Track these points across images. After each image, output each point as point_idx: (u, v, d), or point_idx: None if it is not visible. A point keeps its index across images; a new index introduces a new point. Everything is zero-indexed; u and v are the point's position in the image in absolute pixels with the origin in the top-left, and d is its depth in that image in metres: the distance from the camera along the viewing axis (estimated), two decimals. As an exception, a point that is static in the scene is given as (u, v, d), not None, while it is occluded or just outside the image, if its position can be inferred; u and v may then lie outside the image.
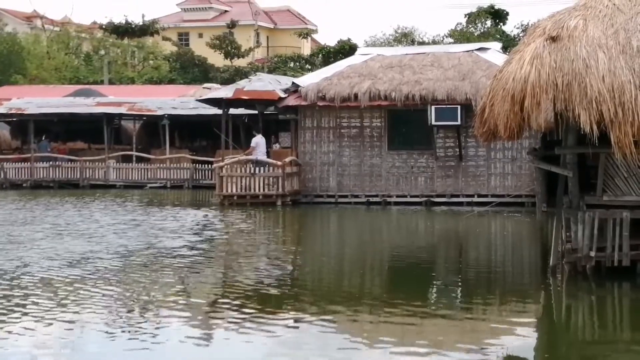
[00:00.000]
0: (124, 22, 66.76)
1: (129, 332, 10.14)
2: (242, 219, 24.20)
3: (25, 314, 11.26)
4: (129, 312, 11.32)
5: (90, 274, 14.28)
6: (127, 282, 13.76)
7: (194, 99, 38.62)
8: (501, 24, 61.41)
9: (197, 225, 22.34)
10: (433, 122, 27.17)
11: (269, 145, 32.41)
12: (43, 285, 13.33)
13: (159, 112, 40.33)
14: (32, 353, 9.40)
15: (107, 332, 10.17)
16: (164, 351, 9.46)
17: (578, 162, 13.60)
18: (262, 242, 19.65)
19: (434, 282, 14.26)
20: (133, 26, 67.05)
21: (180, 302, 12.16)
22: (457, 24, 64.98)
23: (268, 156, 29.48)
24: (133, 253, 16.89)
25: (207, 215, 24.96)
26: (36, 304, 11.88)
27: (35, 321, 10.81)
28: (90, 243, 18.27)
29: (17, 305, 11.83)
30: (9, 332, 10.29)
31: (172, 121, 40.17)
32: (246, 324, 10.47)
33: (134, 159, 40.49)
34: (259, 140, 29.19)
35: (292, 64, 64.33)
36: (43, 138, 41.71)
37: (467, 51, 29.75)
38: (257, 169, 28.25)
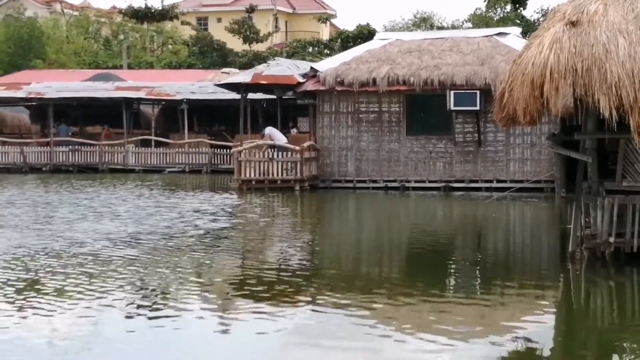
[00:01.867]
0: (143, 6, 66.83)
1: (151, 313, 10.19)
2: (267, 203, 24.45)
3: (106, 291, 11.54)
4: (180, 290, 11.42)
5: (147, 254, 14.64)
6: (187, 261, 14.06)
7: (212, 84, 38.69)
8: (521, 8, 61.05)
9: (231, 208, 22.78)
10: (452, 107, 27.11)
11: (287, 130, 32.48)
12: (105, 264, 13.63)
13: (178, 97, 40.44)
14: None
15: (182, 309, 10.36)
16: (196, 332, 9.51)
17: (597, 148, 13.55)
18: (298, 227, 19.91)
19: (453, 268, 14.26)
20: (152, 11, 67.09)
21: (238, 283, 12.41)
22: (477, 8, 64.71)
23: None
24: (181, 233, 17.25)
25: (235, 199, 25.26)
26: (111, 280, 12.25)
27: (115, 300, 11.05)
28: (133, 224, 18.64)
29: (90, 283, 12.09)
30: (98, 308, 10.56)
31: (191, 106, 40.25)
32: (268, 307, 10.52)
33: (153, 143, 40.63)
34: (271, 130, 29.18)
35: (310, 49, 64.23)
36: (64, 125, 41.90)
37: (487, 36, 29.65)
38: (277, 154, 28.28)
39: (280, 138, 28.99)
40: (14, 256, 14.34)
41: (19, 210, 21.59)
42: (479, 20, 60.06)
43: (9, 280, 12.36)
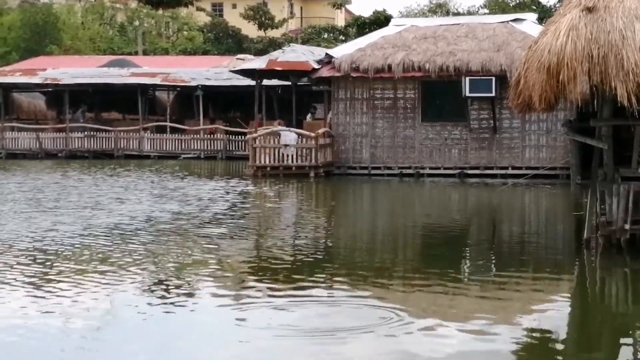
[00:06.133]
0: (158, -8, 66.79)
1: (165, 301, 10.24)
2: (282, 190, 24.64)
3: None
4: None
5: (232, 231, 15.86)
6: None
7: (227, 70, 38.71)
8: (537, -6, 60.78)
9: (247, 194, 23.29)
10: (467, 94, 27.04)
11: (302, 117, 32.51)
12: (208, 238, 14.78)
13: (193, 83, 40.50)
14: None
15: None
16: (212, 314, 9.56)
17: (613, 135, 13.49)
18: (315, 214, 20.09)
19: (467, 254, 14.24)
20: (167, -3, 67.05)
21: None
22: (493, -6, 64.43)
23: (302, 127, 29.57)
24: (247, 213, 18.75)
25: (250, 185, 25.50)
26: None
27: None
28: (194, 206, 19.55)
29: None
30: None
31: (206, 92, 40.28)
32: (284, 292, 10.55)
33: (168, 129, 40.70)
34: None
35: (325, 35, 64.15)
36: (80, 110, 42.03)
37: (502, 22, 29.52)
38: (284, 146, 28.25)
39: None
40: (108, 230, 15.47)
41: (74, 191, 22.70)
42: (495, 6, 59.91)
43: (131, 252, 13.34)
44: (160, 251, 13.39)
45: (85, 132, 40.40)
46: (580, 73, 11.97)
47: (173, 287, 10.89)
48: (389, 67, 27.93)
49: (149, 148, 39.86)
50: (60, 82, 40.87)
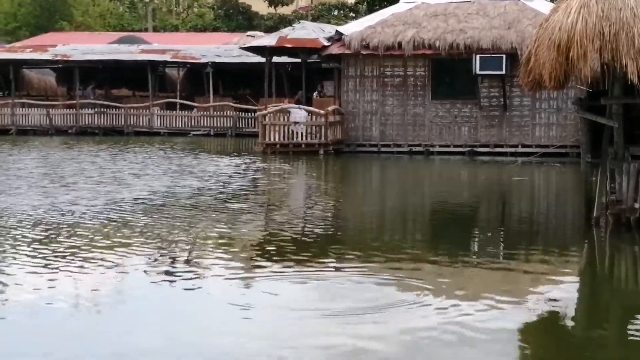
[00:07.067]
0: (168, -31, 66.72)
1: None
2: (293, 167, 24.83)
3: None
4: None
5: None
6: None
7: (237, 47, 38.68)
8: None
9: (257, 171, 23.49)
10: (477, 72, 26.98)
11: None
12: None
13: (203, 60, 40.48)
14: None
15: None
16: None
17: (624, 113, 13.45)
18: (326, 191, 20.13)
19: (476, 232, 14.24)
20: (177, -27, 66.98)
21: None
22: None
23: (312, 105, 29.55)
24: (263, 190, 19.54)
25: (260, 162, 25.62)
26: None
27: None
28: (212, 182, 19.87)
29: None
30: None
31: (216, 69, 40.26)
32: (291, 269, 10.58)
33: (178, 106, 40.72)
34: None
35: (336, 12, 63.97)
36: (90, 87, 42.05)
37: (513, -1, 29.41)
38: (294, 123, 28.27)
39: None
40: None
41: (91, 167, 23.26)
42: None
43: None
44: (184, 225, 13.48)
45: (95, 109, 40.45)
46: (591, 51, 11.93)
47: (197, 260, 11.00)
48: (399, 44, 27.88)
49: (158, 125, 39.90)
50: (70, 59, 40.91)
